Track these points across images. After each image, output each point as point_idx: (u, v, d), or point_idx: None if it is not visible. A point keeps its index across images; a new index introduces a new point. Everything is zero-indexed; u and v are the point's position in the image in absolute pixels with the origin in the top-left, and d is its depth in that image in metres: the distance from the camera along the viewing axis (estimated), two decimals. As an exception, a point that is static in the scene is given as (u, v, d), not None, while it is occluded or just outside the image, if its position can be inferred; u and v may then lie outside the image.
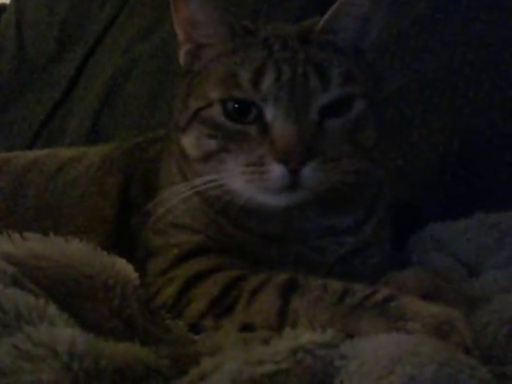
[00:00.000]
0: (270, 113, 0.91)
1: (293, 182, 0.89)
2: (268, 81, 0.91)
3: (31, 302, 0.72)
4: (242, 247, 1.00)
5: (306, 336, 0.76)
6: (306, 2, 1.60)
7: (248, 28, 0.99)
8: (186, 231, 1.02)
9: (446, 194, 1.24)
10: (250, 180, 0.91)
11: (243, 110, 0.93)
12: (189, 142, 0.98)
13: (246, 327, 0.88)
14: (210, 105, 0.95)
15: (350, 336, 0.78)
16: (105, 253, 0.90)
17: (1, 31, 2.30)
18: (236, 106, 0.93)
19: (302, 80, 0.91)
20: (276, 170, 0.88)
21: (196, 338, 0.87)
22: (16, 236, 0.88)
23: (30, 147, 1.98)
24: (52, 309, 0.72)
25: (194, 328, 0.91)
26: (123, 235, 1.09)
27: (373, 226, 1.06)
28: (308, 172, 0.88)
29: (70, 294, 0.82)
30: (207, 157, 0.95)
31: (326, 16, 0.96)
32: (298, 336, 0.76)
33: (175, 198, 0.98)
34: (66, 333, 0.67)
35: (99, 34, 2.02)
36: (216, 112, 0.94)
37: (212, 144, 0.94)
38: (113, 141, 1.56)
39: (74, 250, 0.88)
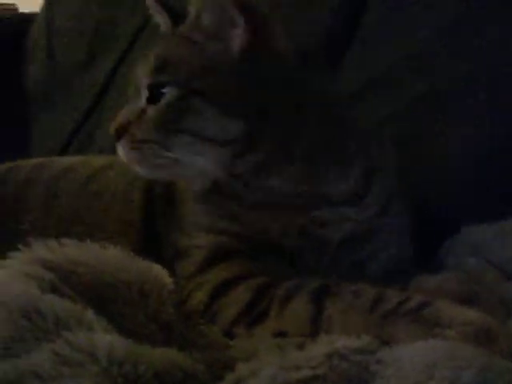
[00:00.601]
0: None
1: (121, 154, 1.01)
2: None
3: (69, 307, 0.73)
4: (246, 226, 1.01)
5: (340, 341, 0.76)
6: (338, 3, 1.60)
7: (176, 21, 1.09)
8: (204, 231, 1.03)
9: (481, 197, 1.22)
10: None
11: None
12: None
13: (279, 335, 0.88)
14: None
15: (386, 342, 0.78)
16: (140, 258, 0.91)
17: (31, 40, 2.32)
18: None
19: (139, 72, 1.03)
20: None
21: (230, 343, 0.87)
22: (52, 242, 0.89)
23: (61, 153, 2.00)
24: (90, 314, 0.73)
25: (227, 335, 0.91)
26: (150, 236, 1.11)
27: (375, 202, 1.04)
28: (120, 147, 1.00)
29: (106, 299, 0.82)
30: None
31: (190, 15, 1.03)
32: (332, 341, 0.76)
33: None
34: (104, 338, 0.68)
35: (129, 41, 2.02)
36: None
37: None
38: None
39: (109, 256, 0.89)
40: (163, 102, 0.98)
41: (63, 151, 2.02)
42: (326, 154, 1.03)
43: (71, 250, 0.88)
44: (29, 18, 2.46)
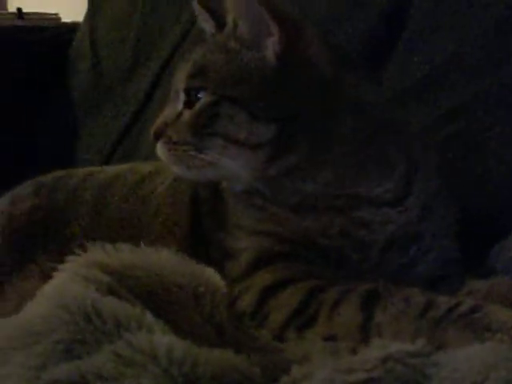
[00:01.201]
0: None
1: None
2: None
3: (129, 310, 0.75)
4: (288, 228, 1.02)
5: (394, 345, 0.76)
6: (378, 13, 1.59)
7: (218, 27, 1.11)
8: (247, 234, 1.04)
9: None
10: None
11: None
12: None
13: (329, 339, 0.88)
14: None
15: (438, 348, 0.78)
16: (193, 262, 0.93)
17: (75, 49, 2.35)
18: None
19: (178, 78, 1.07)
20: None
21: (283, 346, 0.88)
22: (109, 246, 0.91)
23: (107, 161, 2.03)
24: (149, 316, 0.75)
25: (277, 338, 0.92)
26: (197, 240, 1.12)
27: (416, 205, 1.04)
28: (159, 148, 1.04)
29: (162, 302, 0.84)
30: None
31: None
32: (386, 346, 0.76)
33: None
34: (164, 339, 0.70)
35: (172, 48, 2.04)
36: None
37: None
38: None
39: (163, 260, 0.90)
40: (197, 106, 1.01)
41: (109, 159, 2.04)
42: (363, 156, 1.03)
43: (126, 254, 0.90)
44: (72, 27, 2.50)
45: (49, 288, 0.81)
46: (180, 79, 1.05)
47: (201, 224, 1.14)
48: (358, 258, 1.01)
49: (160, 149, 1.04)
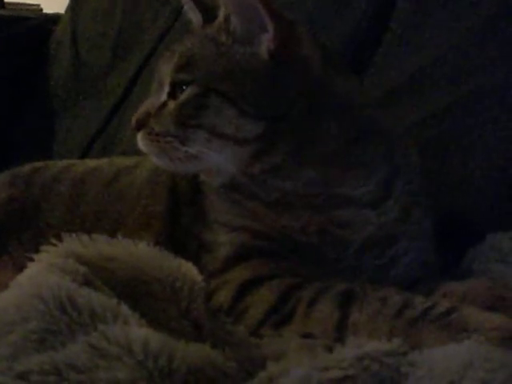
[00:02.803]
0: None
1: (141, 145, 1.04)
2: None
3: (104, 301, 0.74)
4: (267, 224, 1.02)
5: (370, 344, 0.76)
6: (363, 11, 1.60)
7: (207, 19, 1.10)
8: (226, 229, 1.04)
9: (506, 205, 1.22)
10: None
11: None
12: None
13: (306, 336, 0.88)
14: None
15: (413, 348, 0.78)
16: (171, 255, 0.92)
17: (56, 41, 2.33)
18: None
19: (162, 65, 1.06)
20: None
21: (259, 342, 0.88)
22: (85, 237, 0.89)
23: (84, 155, 2.02)
24: (124, 308, 0.74)
25: (253, 335, 0.91)
26: (175, 231, 1.12)
27: (395, 207, 1.04)
28: (140, 139, 1.03)
29: (138, 294, 0.83)
30: None
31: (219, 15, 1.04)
32: (361, 345, 0.76)
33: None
34: (140, 332, 0.69)
35: (153, 44, 2.03)
36: None
37: None
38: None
39: (140, 252, 0.89)
40: (183, 97, 1.00)
41: (86, 152, 2.03)
42: (345, 156, 1.03)
43: (103, 246, 0.89)
44: (53, 18, 2.49)
45: (23, 278, 0.80)
46: (165, 70, 1.04)
47: (179, 216, 1.13)
48: (335, 256, 1.01)
49: (142, 139, 1.03)
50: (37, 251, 0.87)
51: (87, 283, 0.78)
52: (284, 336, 0.89)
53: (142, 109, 1.04)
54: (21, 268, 0.86)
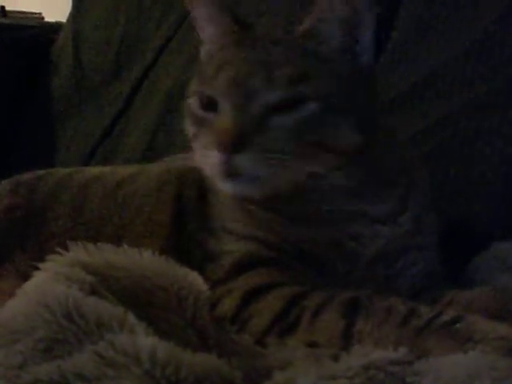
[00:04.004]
0: (219, 106, 0.98)
1: (229, 169, 0.94)
2: (220, 78, 0.98)
3: (111, 310, 0.74)
4: (279, 235, 1.01)
5: (376, 353, 0.76)
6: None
7: (246, 24, 1.07)
8: (232, 236, 1.04)
9: (509, 214, 1.22)
10: (202, 163, 1.00)
11: (211, 102, 1.00)
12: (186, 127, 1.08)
13: (311, 345, 0.88)
14: (191, 96, 1.04)
15: (419, 357, 0.78)
16: (177, 264, 0.92)
17: (58, 49, 2.34)
18: (206, 97, 1.01)
19: (247, 79, 0.96)
20: (213, 156, 0.94)
21: (265, 351, 0.87)
22: (90, 246, 0.90)
23: (86, 163, 2.02)
24: (131, 317, 0.74)
25: (258, 343, 0.91)
26: (180, 239, 1.11)
27: (409, 221, 1.05)
28: (242, 161, 0.93)
29: (144, 303, 0.83)
30: (191, 141, 1.04)
31: (308, 20, 1.01)
32: (367, 353, 0.76)
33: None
34: (147, 341, 0.69)
35: (156, 53, 2.04)
36: (193, 102, 1.03)
37: (191, 130, 1.04)
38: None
39: (146, 261, 0.90)
40: (304, 113, 0.96)
41: (88, 160, 2.03)
42: (376, 174, 1.03)
43: (109, 254, 0.89)
44: (55, 27, 2.50)
45: (30, 286, 0.80)
46: (257, 82, 0.96)
47: (184, 224, 1.13)
48: (345, 269, 1.01)
49: (248, 160, 0.94)
50: (41, 260, 0.87)
51: (94, 292, 0.78)
52: (289, 345, 0.89)
53: (229, 126, 0.94)
54: (24, 276, 0.87)
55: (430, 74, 1.42)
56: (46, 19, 2.84)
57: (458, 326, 0.80)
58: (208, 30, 1.07)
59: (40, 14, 2.90)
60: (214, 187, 1.06)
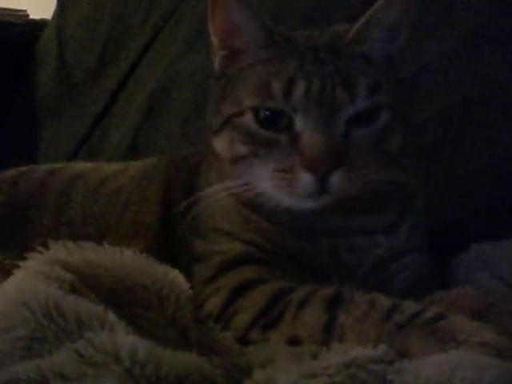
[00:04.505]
0: (299, 123, 0.95)
1: (320, 189, 0.92)
2: (298, 92, 0.94)
3: (91, 308, 0.74)
4: (277, 244, 1.01)
5: (356, 350, 0.76)
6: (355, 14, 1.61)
7: (284, 35, 1.01)
8: (226, 237, 1.03)
9: (492, 214, 1.23)
10: (278, 185, 0.95)
11: (274, 119, 0.96)
12: (221, 145, 1.02)
13: (292, 340, 0.88)
14: (242, 112, 0.98)
15: (399, 353, 0.78)
16: (157, 263, 0.91)
17: (42, 47, 2.32)
18: (267, 113, 0.96)
19: (330, 92, 0.94)
20: (305, 178, 0.92)
21: (246, 349, 0.87)
22: (71, 244, 0.89)
23: (70, 161, 1.98)
24: (111, 316, 0.73)
25: (241, 341, 0.92)
26: (167, 240, 1.11)
27: (406, 230, 1.06)
28: (334, 180, 0.92)
29: (125, 302, 0.83)
30: (237, 160, 0.99)
31: (356, 25, 0.99)
32: (346, 350, 0.76)
33: (211, 198, 1.01)
34: (127, 339, 0.68)
35: (141, 50, 2.03)
36: (248, 119, 0.98)
37: (243, 149, 0.98)
38: (153, 156, 1.57)
39: (127, 260, 0.89)
40: (378, 124, 0.96)
41: (71, 159, 2.02)
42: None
43: (89, 253, 0.88)
44: (40, 24, 2.47)
45: (9, 285, 0.79)
46: (339, 96, 0.94)
47: (172, 226, 1.12)
48: (341, 277, 1.00)
49: (340, 179, 0.92)
50: (23, 259, 0.87)
51: (74, 290, 0.78)
52: (272, 340, 0.89)
53: (322, 145, 0.91)
54: (6, 274, 0.86)
55: (414, 74, 1.42)
56: (31, 16, 2.80)
57: (440, 323, 0.80)
58: (243, 38, 1.01)
59: (25, 11, 2.85)
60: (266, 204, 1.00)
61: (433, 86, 1.38)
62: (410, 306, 0.84)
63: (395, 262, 1.05)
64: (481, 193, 1.26)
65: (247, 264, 0.99)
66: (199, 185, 1.11)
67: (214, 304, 0.96)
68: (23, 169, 1.39)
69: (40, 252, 0.86)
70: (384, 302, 0.85)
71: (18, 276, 0.82)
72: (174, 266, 0.96)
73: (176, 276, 0.90)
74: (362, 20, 0.99)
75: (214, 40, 1.04)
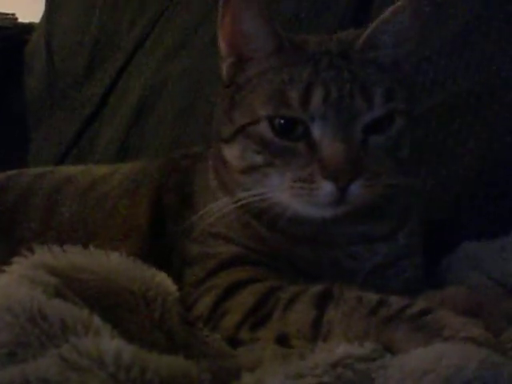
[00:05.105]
0: (317, 131, 0.93)
1: (340, 198, 0.91)
2: (316, 100, 0.92)
3: (76, 313, 0.73)
4: (276, 251, 1.00)
5: (342, 349, 0.75)
6: (343, 14, 1.60)
7: (295, 42, 1.00)
8: (221, 241, 1.02)
9: (480, 213, 1.23)
10: (297, 195, 0.93)
11: (289, 127, 0.94)
12: (232, 154, 1.00)
13: (281, 338, 0.88)
14: (257, 121, 0.96)
15: (386, 347, 0.78)
16: (144, 266, 0.91)
17: (31, 50, 2.33)
18: (282, 122, 0.94)
19: (349, 100, 0.93)
20: (325, 188, 0.91)
21: (234, 352, 0.87)
22: (56, 248, 0.88)
23: (59, 164, 2.00)
24: (96, 320, 0.73)
25: (231, 341, 0.91)
26: (158, 244, 1.10)
27: (406, 235, 1.06)
28: (355, 189, 0.91)
29: (111, 306, 0.82)
30: (251, 170, 0.97)
31: (367, 32, 0.98)
32: (332, 349, 0.76)
33: (219, 212, 0.99)
34: (111, 343, 0.68)
35: (129, 53, 2.04)
36: (264, 128, 0.95)
37: (258, 158, 0.96)
38: (143, 159, 1.57)
39: (113, 263, 0.89)
40: (393, 130, 0.96)
41: (61, 161, 2.02)
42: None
43: (75, 257, 0.87)
44: (28, 28, 2.47)
45: (-7, 289, 0.79)
46: (358, 102, 0.93)
47: (164, 230, 1.11)
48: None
49: (358, 188, 0.91)
50: (9, 263, 0.86)
51: (58, 295, 0.77)
52: (261, 339, 0.88)
53: (342, 153, 0.90)
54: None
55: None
56: (20, 20, 2.81)
57: (427, 318, 0.80)
58: (253, 45, 0.99)
59: (14, 14, 2.86)
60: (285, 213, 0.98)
61: (416, 87, 1.37)
62: (397, 301, 0.84)
63: (393, 267, 1.05)
64: (468, 193, 1.26)
65: (242, 265, 0.99)
66: (193, 190, 1.11)
67: (204, 305, 0.96)
68: (11, 173, 1.39)
69: (25, 256, 0.86)
70: (371, 297, 0.85)
71: (2, 280, 0.81)
72: (165, 269, 0.95)
73: (163, 278, 0.89)
74: (372, 26, 0.98)
75: (223, 45, 1.02)
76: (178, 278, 0.97)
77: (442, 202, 1.27)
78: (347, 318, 0.83)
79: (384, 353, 0.76)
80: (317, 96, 0.93)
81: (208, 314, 0.94)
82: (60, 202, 1.26)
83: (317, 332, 0.85)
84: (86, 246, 0.95)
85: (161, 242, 1.10)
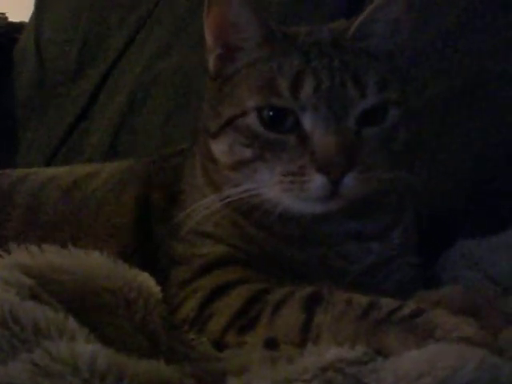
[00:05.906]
0: (308, 122, 0.90)
1: (333, 192, 0.87)
2: (307, 89, 0.89)
3: (50, 316, 0.70)
4: (264, 250, 0.97)
5: (332, 352, 0.72)
6: (334, 7, 1.58)
7: (285, 32, 0.97)
8: (209, 240, 0.99)
9: (476, 210, 1.21)
10: (288, 189, 0.89)
11: (279, 118, 0.91)
12: (220, 148, 0.96)
13: (269, 342, 0.85)
14: (245, 113, 0.93)
15: (377, 351, 0.75)
16: (126, 265, 0.87)
17: (20, 49, 2.31)
18: (271, 113, 0.91)
19: (340, 89, 0.89)
20: (317, 181, 0.87)
21: (221, 355, 0.84)
22: (34, 248, 0.85)
23: (48, 163, 1.98)
24: (72, 323, 0.70)
25: (217, 344, 0.88)
26: (143, 243, 1.07)
27: (399, 233, 1.03)
28: (348, 182, 0.87)
29: (90, 308, 0.79)
30: (240, 165, 0.94)
31: (358, 21, 0.95)
32: (322, 352, 0.73)
33: (206, 210, 0.96)
34: (86, 348, 0.64)
35: (119, 51, 2.01)
36: (252, 120, 0.92)
37: (247, 153, 0.93)
38: (131, 157, 1.54)
39: (94, 263, 0.85)
40: (388, 121, 0.93)
41: (51, 160, 2.00)
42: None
43: (53, 257, 0.84)
44: (18, 27, 2.45)
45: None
46: (352, 92, 0.90)
47: (150, 229, 1.08)
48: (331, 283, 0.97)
49: (354, 180, 0.88)
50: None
51: (33, 296, 0.74)
52: (248, 343, 0.85)
53: (335, 145, 0.87)
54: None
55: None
56: (10, 19, 2.79)
57: (419, 319, 0.77)
58: (241, 35, 0.96)
59: (4, 14, 2.84)
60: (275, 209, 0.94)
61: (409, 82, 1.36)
62: (387, 303, 0.81)
63: (387, 267, 1.02)
64: (460, 191, 1.25)
65: (230, 266, 0.95)
66: (181, 188, 1.07)
67: (190, 307, 0.92)
68: (-4, 173, 1.36)
69: (0, 256, 0.82)
70: (361, 299, 0.82)
71: (-25, 282, 0.77)
72: (152, 269, 0.92)
73: (145, 279, 0.86)
74: (363, 16, 0.96)
75: (209, 37, 0.99)
76: (164, 279, 0.94)
77: (436, 198, 1.25)
78: (337, 322, 0.81)
79: (376, 356, 0.73)
80: (307, 85, 0.89)
81: (194, 316, 0.91)
82: (43, 200, 1.23)
83: (306, 336, 0.82)
84: (73, 244, 0.92)
85: (148, 241, 1.07)
